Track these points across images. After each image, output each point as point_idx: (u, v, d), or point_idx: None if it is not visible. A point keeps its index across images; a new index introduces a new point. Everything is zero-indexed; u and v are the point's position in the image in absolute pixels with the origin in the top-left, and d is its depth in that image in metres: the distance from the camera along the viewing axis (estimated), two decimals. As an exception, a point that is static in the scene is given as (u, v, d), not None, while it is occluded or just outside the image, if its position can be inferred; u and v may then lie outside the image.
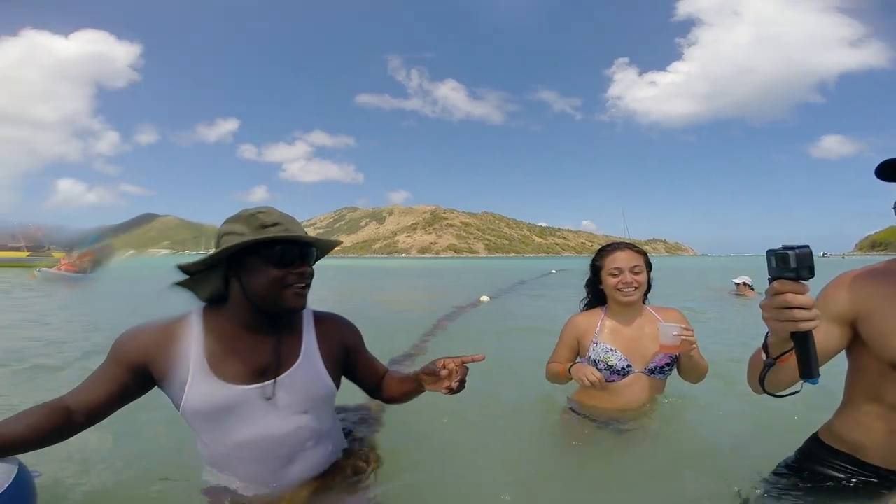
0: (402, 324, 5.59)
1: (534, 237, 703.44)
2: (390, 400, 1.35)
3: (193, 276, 1.13)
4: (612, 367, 1.73)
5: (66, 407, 1.03)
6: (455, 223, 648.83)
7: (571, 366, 1.75)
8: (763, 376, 0.93)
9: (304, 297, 1.11)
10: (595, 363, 1.75)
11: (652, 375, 1.76)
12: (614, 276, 1.75)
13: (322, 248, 1.20)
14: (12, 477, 0.95)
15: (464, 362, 1.14)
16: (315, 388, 1.16)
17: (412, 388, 1.25)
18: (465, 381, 1.14)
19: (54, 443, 1.02)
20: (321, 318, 1.25)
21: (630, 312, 1.79)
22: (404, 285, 15.78)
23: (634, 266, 1.74)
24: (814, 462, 1.17)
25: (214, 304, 1.15)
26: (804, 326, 0.78)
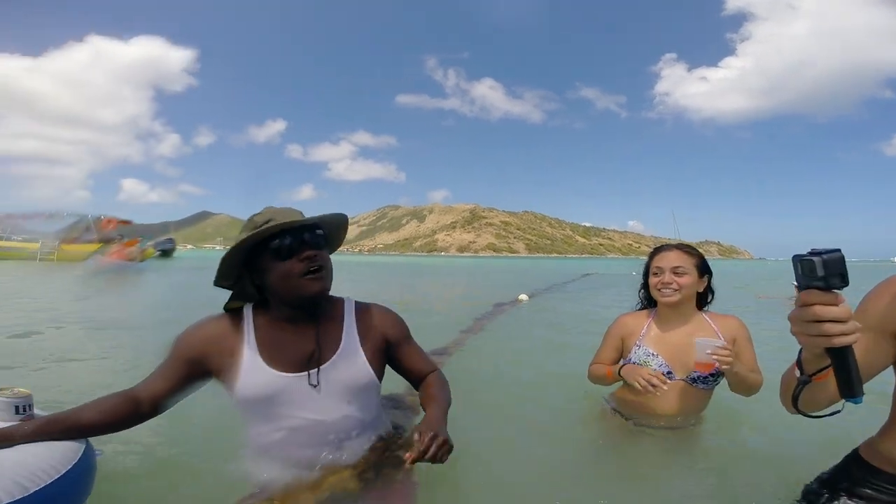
0: (436, 321, 5.59)
1: (577, 237, 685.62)
2: (420, 400, 1.32)
3: (233, 287, 1.20)
4: None
5: (134, 397, 1.11)
6: (495, 222, 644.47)
7: (620, 367, 1.69)
8: (797, 395, 0.85)
9: (319, 280, 1.12)
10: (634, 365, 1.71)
11: (694, 384, 1.68)
12: (655, 275, 1.72)
13: (327, 228, 1.20)
14: (80, 455, 1.04)
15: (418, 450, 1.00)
16: (356, 378, 1.18)
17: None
18: (430, 457, 0.99)
19: (123, 429, 1.12)
20: (362, 309, 1.27)
21: (679, 316, 1.72)
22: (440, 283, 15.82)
23: (677, 267, 1.67)
24: (852, 482, 1.06)
25: (262, 301, 1.22)
26: (839, 342, 0.69)
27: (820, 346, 0.71)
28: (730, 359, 1.48)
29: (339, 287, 1.26)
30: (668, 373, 1.66)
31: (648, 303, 1.85)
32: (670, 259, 1.70)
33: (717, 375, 1.65)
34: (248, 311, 1.19)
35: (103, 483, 1.15)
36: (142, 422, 1.13)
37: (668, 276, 1.67)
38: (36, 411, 1.10)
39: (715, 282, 1.81)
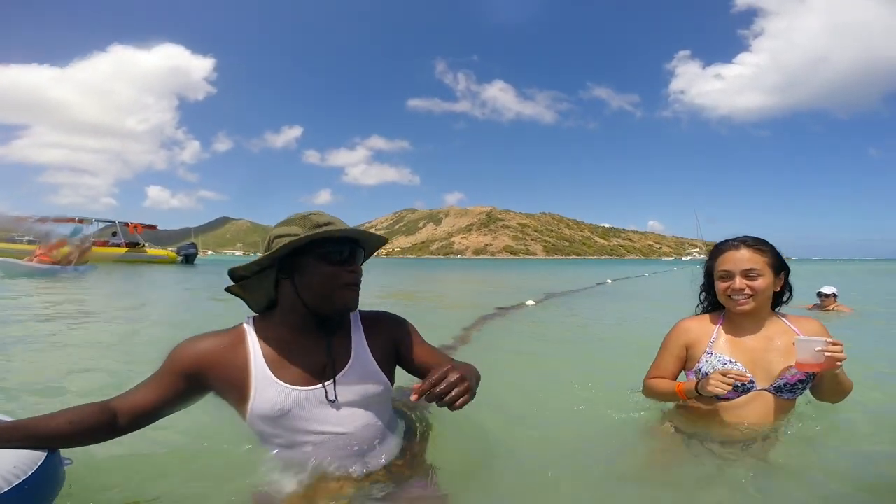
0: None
1: (596, 238, 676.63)
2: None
3: (245, 280, 1.16)
4: None
5: (111, 408, 1.05)
6: (511, 224, 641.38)
7: (698, 382, 1.44)
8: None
9: (356, 296, 1.14)
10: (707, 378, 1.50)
11: (779, 394, 1.48)
12: (723, 280, 1.51)
13: (370, 246, 1.22)
14: (38, 464, 0.94)
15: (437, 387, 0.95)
16: (370, 386, 1.18)
17: None
18: (442, 397, 0.94)
19: (92, 443, 1.05)
20: (367, 317, 1.27)
21: (753, 320, 1.53)
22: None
23: (749, 269, 1.45)
24: None
25: (263, 312, 1.20)
26: None
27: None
28: (844, 355, 1.30)
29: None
30: (750, 381, 1.47)
31: (712, 307, 1.65)
32: (740, 260, 1.48)
33: (805, 382, 1.46)
34: (248, 326, 1.16)
35: (70, 498, 1.06)
36: (116, 436, 1.07)
37: (739, 282, 1.46)
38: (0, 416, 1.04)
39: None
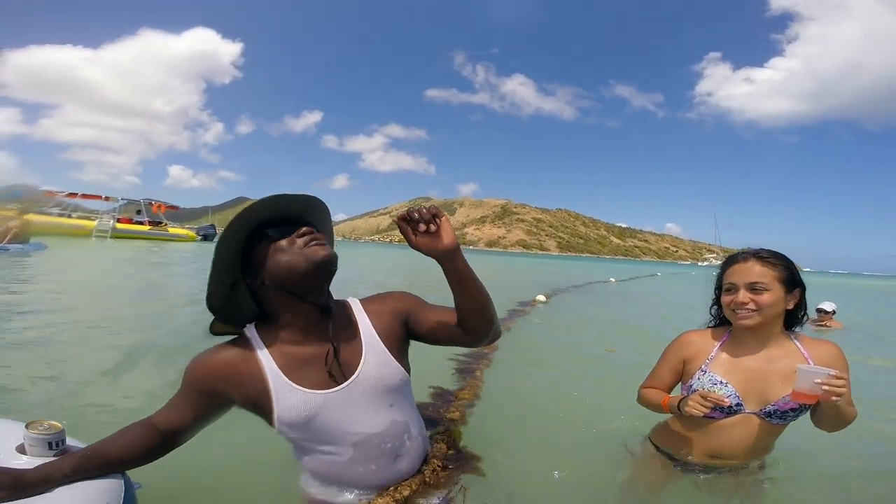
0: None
1: (612, 238, 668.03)
2: (466, 322, 1.13)
3: (223, 309, 1.09)
4: None
5: (156, 428, 1.08)
6: (526, 218, 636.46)
7: (681, 400, 1.42)
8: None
9: (322, 246, 1.06)
10: None
11: (768, 419, 1.41)
12: (728, 292, 1.44)
13: (313, 215, 1.15)
14: (122, 495, 0.98)
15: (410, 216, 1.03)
16: (388, 376, 1.12)
17: (450, 281, 1.08)
18: (419, 214, 1.02)
19: (152, 461, 1.08)
20: (368, 302, 1.22)
21: (759, 339, 1.44)
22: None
23: (754, 283, 1.38)
24: None
25: (261, 321, 1.14)
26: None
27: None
28: (844, 390, 1.22)
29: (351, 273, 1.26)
30: (738, 404, 1.41)
31: (721, 321, 1.56)
32: (746, 273, 1.40)
33: (798, 410, 1.39)
34: (251, 333, 1.10)
35: None
36: (165, 454, 1.10)
37: (742, 295, 1.38)
38: (69, 442, 1.05)
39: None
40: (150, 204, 26.62)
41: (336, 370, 1.08)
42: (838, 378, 1.21)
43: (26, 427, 0.99)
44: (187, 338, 3.46)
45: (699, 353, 1.50)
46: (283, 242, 1.04)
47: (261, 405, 1.07)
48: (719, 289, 1.51)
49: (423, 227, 1.02)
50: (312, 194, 1.12)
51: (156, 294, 6.65)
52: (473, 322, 1.12)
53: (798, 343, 1.45)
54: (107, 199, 25.14)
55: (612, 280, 19.46)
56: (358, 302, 1.22)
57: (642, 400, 1.62)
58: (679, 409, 1.42)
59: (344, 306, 1.19)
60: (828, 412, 1.33)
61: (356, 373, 1.09)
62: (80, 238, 20.50)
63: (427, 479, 1.19)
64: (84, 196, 25.16)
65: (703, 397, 1.34)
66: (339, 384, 1.08)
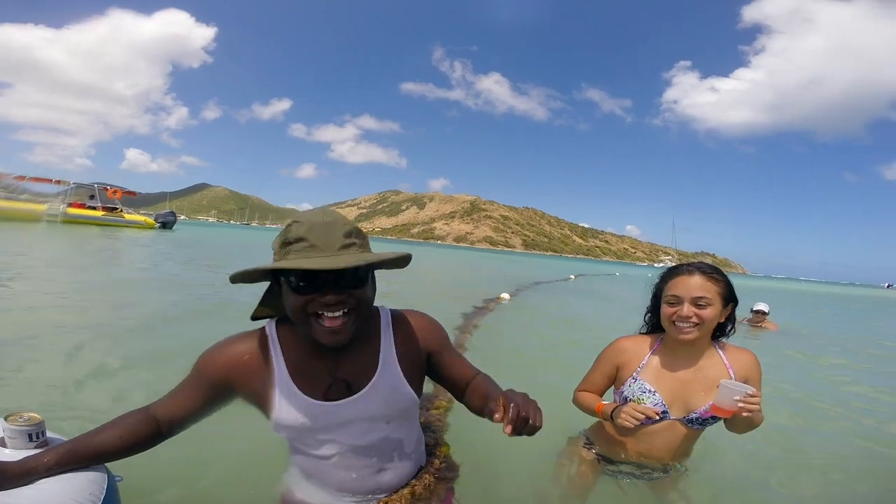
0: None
1: (574, 237, 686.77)
2: (475, 411, 1.17)
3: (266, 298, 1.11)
4: None
5: (154, 418, 1.06)
6: (494, 215, 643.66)
7: (614, 409, 1.48)
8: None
9: (338, 333, 0.96)
10: (626, 402, 1.51)
11: (690, 425, 1.50)
12: (671, 305, 1.45)
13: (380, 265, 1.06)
14: (105, 487, 0.96)
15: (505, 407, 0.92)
16: (395, 399, 1.10)
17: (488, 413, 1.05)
18: (527, 422, 0.90)
19: (138, 452, 1.06)
20: (399, 320, 1.16)
21: (689, 349, 1.49)
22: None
23: (699, 298, 1.40)
24: None
25: (285, 318, 1.10)
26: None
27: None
28: (758, 407, 1.30)
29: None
30: (664, 412, 1.48)
31: (653, 328, 1.60)
32: (691, 287, 1.42)
33: (716, 418, 1.46)
34: (271, 329, 1.09)
35: None
36: (157, 444, 1.08)
37: (686, 309, 1.40)
38: (48, 435, 1.04)
39: None
40: (105, 189, 25.27)
41: (343, 382, 1.07)
42: (754, 396, 1.29)
43: (5, 420, 0.99)
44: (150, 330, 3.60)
45: (631, 360, 1.54)
46: (299, 299, 0.95)
47: (263, 403, 1.07)
48: (657, 297, 1.53)
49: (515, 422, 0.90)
50: (394, 255, 0.99)
51: (114, 286, 6.56)
52: (475, 412, 1.16)
53: (721, 353, 1.51)
54: (58, 182, 23.74)
55: (572, 277, 20.45)
56: (389, 314, 1.16)
57: (577, 402, 1.66)
58: (612, 418, 1.48)
59: (372, 316, 1.13)
60: (740, 421, 1.40)
61: (363, 390, 1.07)
62: (28, 223, 19.34)
63: (416, 493, 1.17)
64: (33, 179, 23.64)
65: (636, 409, 1.41)
66: (343, 397, 1.06)
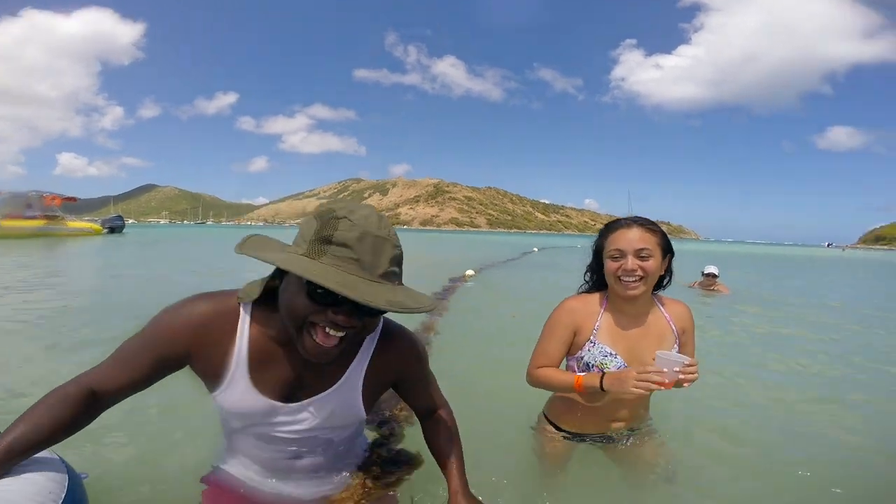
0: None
1: (537, 214, 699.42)
2: (427, 444, 1.19)
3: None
4: None
5: (89, 390, 0.93)
6: (458, 197, 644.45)
7: (602, 377, 1.35)
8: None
9: (328, 353, 0.88)
10: (588, 368, 1.44)
11: None
12: (614, 259, 1.40)
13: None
14: (66, 483, 0.91)
15: None
16: (342, 415, 1.05)
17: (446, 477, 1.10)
18: None
19: (78, 431, 0.94)
20: (383, 342, 1.06)
21: (634, 304, 1.45)
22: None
23: (641, 249, 1.38)
24: None
25: (265, 299, 0.97)
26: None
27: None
28: (697, 376, 1.28)
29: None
30: None
31: (595, 288, 1.56)
32: (632, 239, 1.38)
33: None
34: (245, 312, 0.97)
35: None
36: (97, 416, 0.97)
37: (631, 262, 1.37)
38: None
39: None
40: (43, 196, 23.62)
41: (298, 384, 1.00)
42: (692, 366, 1.26)
43: None
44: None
45: (585, 322, 1.46)
46: (306, 304, 0.84)
47: (211, 381, 0.99)
48: (598, 254, 1.49)
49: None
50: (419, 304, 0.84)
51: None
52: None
53: (660, 305, 1.51)
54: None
55: (536, 250, 21.15)
56: (378, 333, 1.05)
57: (540, 381, 1.49)
58: (602, 389, 1.34)
59: None
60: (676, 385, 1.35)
61: (314, 398, 1.01)
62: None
63: (357, 496, 1.16)
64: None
65: (646, 372, 1.27)
66: (293, 401, 1.00)
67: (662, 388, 1.27)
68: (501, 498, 1.45)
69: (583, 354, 1.45)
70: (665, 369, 1.26)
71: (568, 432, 1.58)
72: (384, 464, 1.31)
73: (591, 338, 1.44)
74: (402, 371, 1.11)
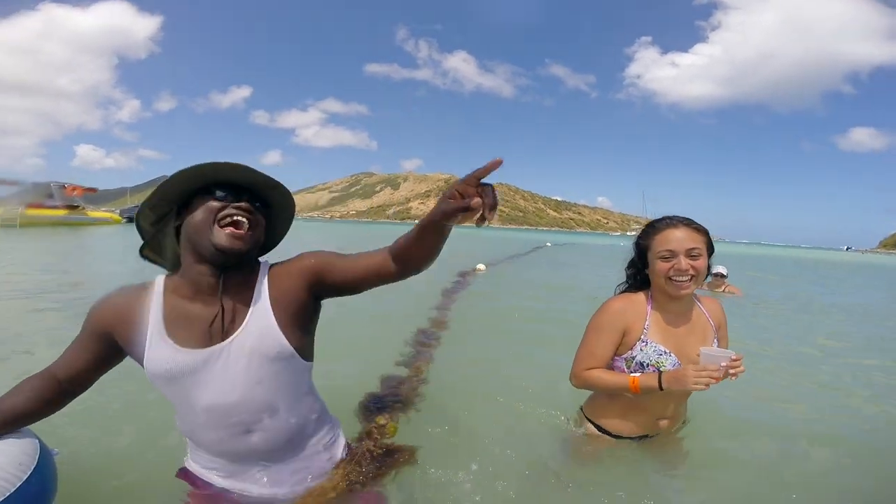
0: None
1: (549, 211, 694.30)
2: (408, 263, 1.04)
3: (154, 238, 1.12)
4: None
5: (54, 377, 1.07)
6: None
7: (660, 378, 1.36)
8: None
9: (239, 238, 1.00)
10: (642, 367, 1.43)
11: None
12: (665, 260, 1.40)
13: (274, 201, 1.12)
14: (37, 458, 0.96)
15: (479, 179, 0.90)
16: (264, 349, 1.04)
17: (429, 233, 0.97)
18: (493, 197, 0.90)
19: (50, 414, 1.07)
20: (275, 265, 1.13)
21: (681, 304, 1.46)
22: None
23: (692, 249, 1.38)
24: None
25: (175, 271, 1.10)
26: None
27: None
28: (743, 369, 1.29)
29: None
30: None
31: (636, 288, 1.54)
32: (682, 239, 1.38)
33: None
34: (158, 281, 1.08)
35: (65, 486, 1.07)
36: (70, 401, 1.10)
37: (683, 262, 1.36)
38: None
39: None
40: (64, 186, 24.23)
41: (214, 333, 1.03)
42: (737, 360, 1.27)
43: None
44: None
45: (635, 322, 1.45)
46: (215, 204, 1.01)
47: (135, 352, 1.04)
48: (642, 256, 1.47)
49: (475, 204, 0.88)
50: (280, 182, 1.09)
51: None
52: (424, 257, 1.02)
53: (698, 303, 1.52)
54: (11, 184, 22.51)
55: (549, 244, 21.17)
56: (268, 265, 1.13)
57: (590, 383, 1.49)
58: (661, 388, 1.35)
59: (252, 269, 1.11)
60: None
61: (230, 338, 1.03)
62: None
63: (339, 490, 1.17)
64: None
65: (706, 368, 1.28)
66: (211, 345, 1.02)
67: (716, 382, 1.29)
68: (542, 497, 1.47)
69: (635, 354, 1.44)
70: (712, 365, 1.28)
71: (610, 433, 1.56)
72: (373, 458, 1.31)
73: (643, 337, 1.44)
74: (307, 268, 1.09)
